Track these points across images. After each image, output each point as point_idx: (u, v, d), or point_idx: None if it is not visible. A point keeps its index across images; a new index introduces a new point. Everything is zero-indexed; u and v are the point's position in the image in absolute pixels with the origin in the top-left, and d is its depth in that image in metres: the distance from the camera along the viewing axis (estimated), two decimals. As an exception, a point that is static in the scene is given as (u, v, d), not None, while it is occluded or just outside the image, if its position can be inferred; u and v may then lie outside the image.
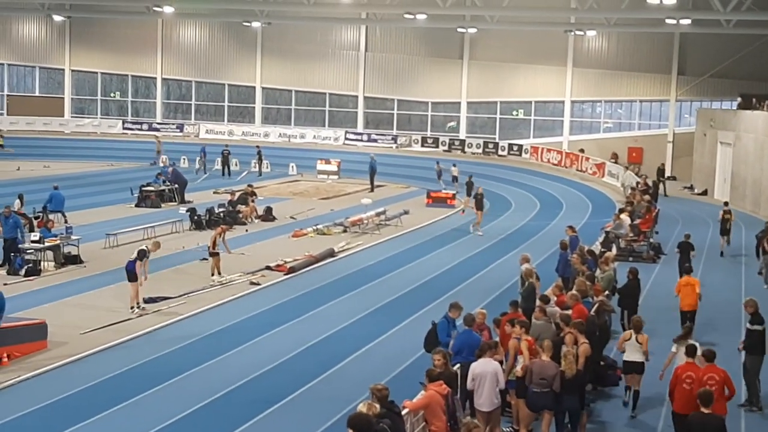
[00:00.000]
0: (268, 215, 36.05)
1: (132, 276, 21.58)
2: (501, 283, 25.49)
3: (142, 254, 21.77)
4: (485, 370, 13.66)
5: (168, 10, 52.19)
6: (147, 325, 20.57)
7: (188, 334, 20.07)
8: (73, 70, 64.42)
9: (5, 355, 17.58)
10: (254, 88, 62.07)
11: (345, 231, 33.62)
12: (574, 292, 17.76)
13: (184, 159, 52.24)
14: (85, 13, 59.85)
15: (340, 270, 27.45)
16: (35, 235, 26.46)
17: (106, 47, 63.08)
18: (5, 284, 22.77)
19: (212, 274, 25.19)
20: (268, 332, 20.45)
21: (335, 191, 45.42)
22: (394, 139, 59.21)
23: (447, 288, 24.95)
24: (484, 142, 57.54)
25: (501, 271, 27.46)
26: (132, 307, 21.69)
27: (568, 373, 13.93)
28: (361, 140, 59.47)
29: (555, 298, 17.86)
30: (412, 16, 48.53)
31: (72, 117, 64.56)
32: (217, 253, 25.35)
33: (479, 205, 35.07)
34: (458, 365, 14.49)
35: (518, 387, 14.30)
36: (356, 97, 60.61)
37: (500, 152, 56.65)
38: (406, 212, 37.44)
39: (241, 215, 35.02)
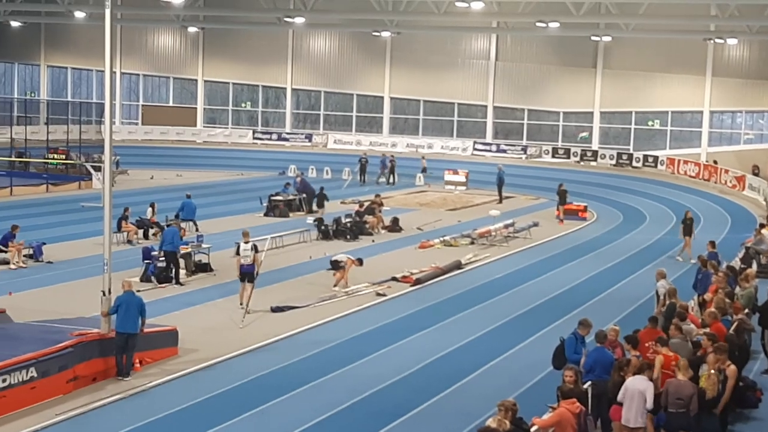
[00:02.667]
0: (394, 226, 35.92)
1: (250, 275, 22.65)
2: (634, 299, 24.71)
3: (256, 248, 22.99)
4: (635, 387, 13.33)
5: (299, 21, 52.83)
6: (274, 335, 20.61)
7: (314, 344, 20.04)
8: (205, 81, 65.79)
9: (137, 360, 17.85)
10: (382, 98, 62.20)
11: (472, 243, 33.19)
12: (712, 309, 17.01)
13: (312, 169, 52.70)
14: (218, 25, 61.15)
15: (467, 282, 27.08)
16: (167, 243, 26.86)
17: (237, 58, 64.21)
18: (138, 291, 23.13)
19: (335, 285, 25.17)
20: (393, 344, 20.25)
21: (463, 202, 45.06)
22: (524, 149, 58.42)
23: (576, 303, 24.31)
24: (618, 153, 56.18)
25: (634, 287, 26.63)
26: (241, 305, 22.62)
27: (710, 393, 13.30)
28: (490, 150, 58.87)
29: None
30: (544, 25, 47.88)
31: (204, 127, 65.94)
32: (343, 268, 25.32)
33: (688, 231, 31.53)
34: (589, 383, 14.05)
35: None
36: (485, 106, 60.09)
37: (634, 164, 55.16)
38: (535, 224, 36.78)
39: (367, 225, 34.95)
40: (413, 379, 17.91)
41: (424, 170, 52.34)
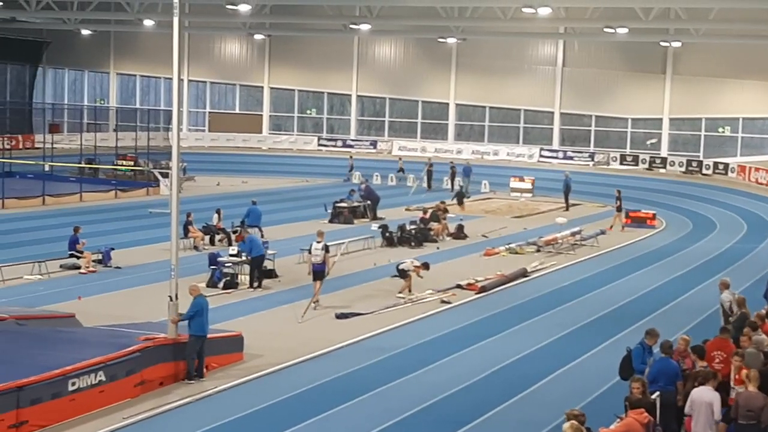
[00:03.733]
0: (459, 233, 35.75)
1: (321, 274, 23.38)
2: (703, 309, 24.20)
3: (327, 248, 23.75)
4: (702, 398, 13.08)
5: (364, 27, 52.94)
6: (338, 341, 20.60)
7: (378, 351, 19.99)
8: (271, 88, 66.22)
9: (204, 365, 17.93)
10: (448, 104, 62.05)
11: (538, 250, 32.90)
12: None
13: (376, 176, 52.72)
14: (284, 32, 61.49)
15: (533, 291, 26.83)
16: (233, 249, 27.11)
17: (303, 65, 64.53)
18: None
19: (400, 292, 25.11)
20: (458, 351, 20.13)
21: (529, 209, 44.74)
22: (591, 156, 57.82)
23: (644, 313, 23.93)
24: (688, 160, 55.28)
25: (703, 296, 26.09)
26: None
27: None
28: (557, 157, 58.39)
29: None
30: (612, 30, 47.39)
31: (269, 133, 66.36)
32: (409, 276, 25.25)
33: None
34: (657, 394, 13.82)
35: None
36: (552, 113, 59.61)
37: (704, 171, 54.21)
38: (602, 232, 36.39)
39: (432, 233, 34.83)
40: (478, 388, 17.77)
41: (401, 170, 53.55)
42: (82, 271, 27.14)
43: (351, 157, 56.54)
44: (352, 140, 63.67)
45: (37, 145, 57.44)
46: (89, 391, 15.59)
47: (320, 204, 40.77)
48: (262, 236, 32.32)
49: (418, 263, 25.87)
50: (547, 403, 16.71)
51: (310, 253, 24.01)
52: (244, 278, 26.15)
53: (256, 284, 25.70)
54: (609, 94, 57.84)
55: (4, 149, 51.76)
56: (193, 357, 17.51)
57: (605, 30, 47.99)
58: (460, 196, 44.13)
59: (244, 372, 18.19)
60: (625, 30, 47.32)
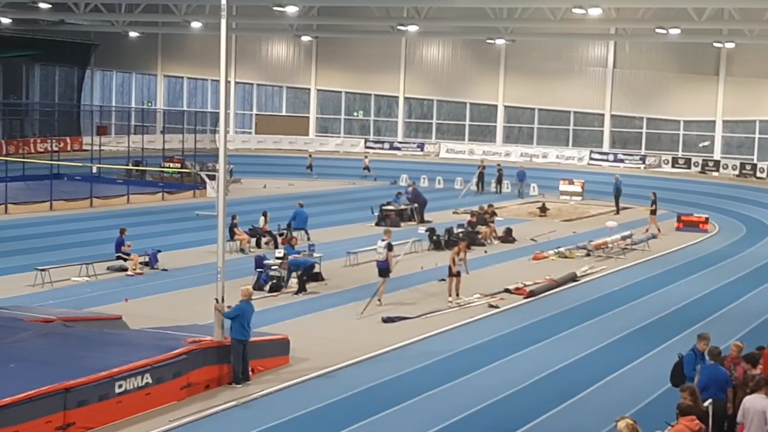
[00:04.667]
0: (507, 236, 35.43)
1: (385, 272, 24.06)
2: (757, 315, 23.84)
3: (390, 246, 24.27)
4: (754, 406, 12.79)
5: (412, 29, 52.75)
6: (385, 345, 20.44)
7: (425, 356, 19.79)
8: (318, 90, 66.27)
9: (250, 369, 17.83)
10: (496, 106, 61.66)
11: (588, 255, 32.46)
12: None
13: (423, 178, 52.51)
14: (331, 34, 61.52)
15: (582, 295, 26.46)
16: (279, 252, 26.99)
17: (350, 66, 64.51)
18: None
19: (450, 294, 24.83)
20: (506, 357, 19.88)
21: (578, 213, 44.24)
22: (642, 159, 57.13)
23: (696, 318, 23.48)
24: (741, 163, 54.38)
25: (758, 302, 25.70)
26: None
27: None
28: (607, 160, 57.77)
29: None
30: (664, 31, 46.81)
31: (316, 136, 66.38)
32: (458, 274, 24.94)
33: None
34: (709, 401, 13.59)
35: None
36: (602, 115, 59.02)
37: (758, 174, 53.30)
38: (654, 236, 35.88)
39: (480, 236, 34.54)
40: (526, 394, 17.53)
41: (366, 168, 55.43)
42: (129, 273, 27.22)
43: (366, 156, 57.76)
44: (399, 142, 63.52)
45: (85, 147, 58.05)
46: (136, 393, 15.57)
47: (367, 207, 40.65)
48: (309, 239, 32.30)
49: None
50: (596, 411, 16.45)
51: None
52: (291, 282, 25.97)
53: (299, 289, 25.55)
54: (660, 96, 57.10)
55: (53, 151, 52.32)
56: (238, 360, 17.40)
57: (657, 31, 47.42)
58: (543, 208, 43.69)
59: (290, 376, 18.08)
60: (677, 31, 46.71)
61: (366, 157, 56.96)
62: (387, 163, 58.13)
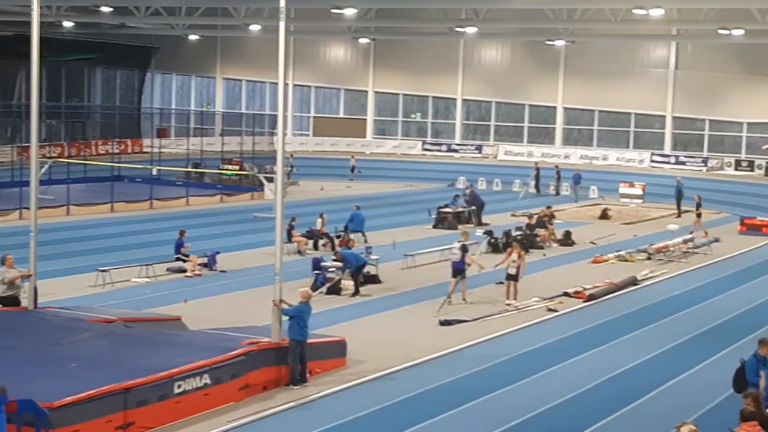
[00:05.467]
0: (566, 239, 35.12)
1: (460, 272, 24.67)
2: (824, 321, 23.21)
3: (465, 248, 25.07)
4: None
5: (470, 30, 52.55)
6: (442, 348, 20.35)
7: (483, 359, 19.67)
8: (375, 92, 66.29)
9: (307, 370, 17.86)
10: (555, 108, 61.20)
11: (649, 258, 32.06)
12: None
13: (481, 180, 52.29)
14: (389, 36, 61.51)
15: (643, 299, 26.12)
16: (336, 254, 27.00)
17: (407, 68, 64.41)
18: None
19: (507, 297, 24.70)
20: (564, 361, 19.68)
21: (639, 216, 43.75)
22: (705, 161, 56.31)
23: (759, 324, 22.93)
24: (806, 165, 53.43)
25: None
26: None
27: None
28: (668, 162, 57.01)
29: None
30: (727, 32, 46.06)
31: (373, 138, 66.42)
32: (516, 276, 24.79)
33: None
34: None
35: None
36: (663, 117, 58.26)
37: (823, 176, 52.35)
38: (716, 240, 35.37)
39: (538, 239, 34.28)
40: (585, 399, 17.33)
41: (353, 169, 55.58)
42: (188, 274, 27.43)
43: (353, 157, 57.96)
44: (457, 144, 63.31)
45: (145, 150, 58.74)
46: (194, 393, 15.65)
47: (424, 209, 40.55)
48: (366, 241, 32.29)
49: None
50: (656, 416, 16.23)
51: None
52: (346, 283, 26.02)
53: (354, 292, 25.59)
54: (723, 98, 56.19)
55: (114, 153, 53.00)
56: (296, 362, 17.43)
57: (720, 32, 46.71)
58: (605, 212, 43.15)
59: (348, 378, 18.08)
60: (740, 32, 45.99)
61: (353, 157, 57.30)
62: (444, 166, 57.94)
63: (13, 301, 20.05)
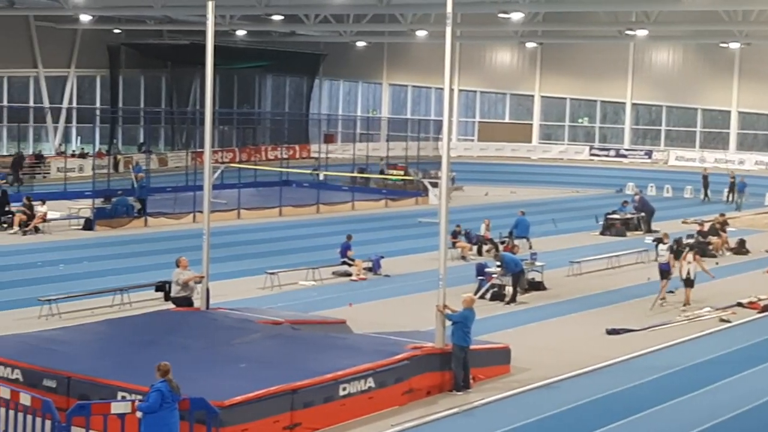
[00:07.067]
0: (741, 248, 33.88)
1: (667, 273, 25.23)
2: None
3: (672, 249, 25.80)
4: None
5: (641, 33, 51.36)
6: (609, 358, 19.96)
7: (651, 370, 19.18)
8: (542, 96, 65.54)
9: (471, 377, 17.80)
10: (729, 112, 59.06)
11: (828, 268, 30.57)
12: None
13: (651, 187, 50.99)
14: (556, 39, 60.75)
15: (824, 311, 24.88)
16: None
17: (575, 72, 63.43)
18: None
19: (684, 304, 24.38)
20: (737, 374, 19.00)
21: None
22: None
23: None
24: None
25: None
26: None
27: None
28: None
29: None
30: None
31: (539, 143, 65.70)
32: (692, 282, 24.14)
33: None
34: None
35: None
36: None
37: None
38: None
39: (711, 247, 33.16)
40: (758, 414, 16.68)
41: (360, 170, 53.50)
42: (353, 278, 27.80)
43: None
44: (626, 150, 61.94)
45: (312, 155, 59.85)
46: (359, 396, 15.79)
47: (591, 216, 39.87)
48: (531, 247, 31.93)
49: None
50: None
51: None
52: (511, 290, 25.81)
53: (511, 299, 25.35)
54: None
55: (283, 159, 54.27)
56: (459, 367, 17.39)
57: None
58: None
59: (511, 385, 17.91)
60: None
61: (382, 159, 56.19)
62: (612, 171, 56.79)
63: (187, 301, 20.79)
